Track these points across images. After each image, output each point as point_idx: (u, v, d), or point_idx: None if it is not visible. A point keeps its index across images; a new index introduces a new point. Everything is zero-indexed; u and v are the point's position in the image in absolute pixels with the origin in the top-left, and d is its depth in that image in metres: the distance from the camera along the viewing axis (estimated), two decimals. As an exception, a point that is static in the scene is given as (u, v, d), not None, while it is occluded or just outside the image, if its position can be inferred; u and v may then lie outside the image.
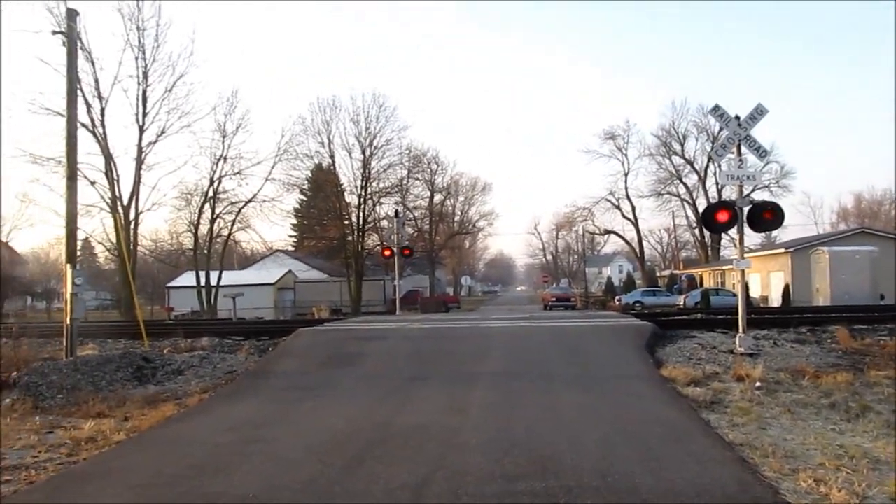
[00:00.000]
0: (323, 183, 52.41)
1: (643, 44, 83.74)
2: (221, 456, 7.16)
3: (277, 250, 66.40)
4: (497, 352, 13.44)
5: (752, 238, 67.25)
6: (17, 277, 55.71)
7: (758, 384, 10.49)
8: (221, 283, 45.34)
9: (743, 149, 13.66)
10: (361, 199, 50.38)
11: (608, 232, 75.60)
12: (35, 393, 11.22)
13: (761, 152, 13.88)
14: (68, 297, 13.91)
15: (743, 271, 13.70)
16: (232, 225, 45.78)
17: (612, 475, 6.07)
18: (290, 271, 59.20)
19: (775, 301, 41.29)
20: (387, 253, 31.17)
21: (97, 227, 43.50)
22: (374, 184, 51.21)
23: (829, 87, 78.59)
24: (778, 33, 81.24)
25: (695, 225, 69.54)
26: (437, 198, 69.78)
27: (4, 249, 53.06)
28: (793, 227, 67.83)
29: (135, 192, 39.65)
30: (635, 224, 71.20)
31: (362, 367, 12.53)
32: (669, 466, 6.33)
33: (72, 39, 14.73)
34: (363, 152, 49.84)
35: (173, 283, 54.67)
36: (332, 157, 50.27)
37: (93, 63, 37.27)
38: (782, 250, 43.49)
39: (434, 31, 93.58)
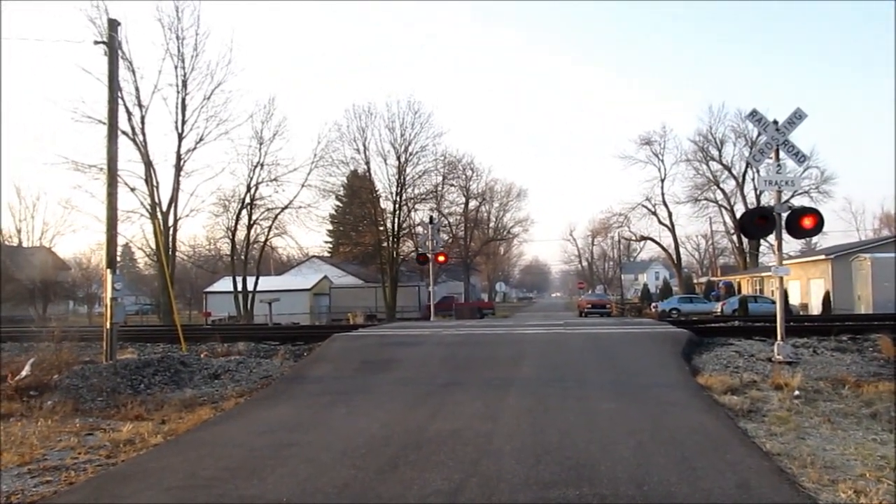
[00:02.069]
0: (358, 189, 52.67)
1: (680, 48, 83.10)
2: (256, 459, 7.23)
3: (313, 256, 66.89)
4: (531, 358, 13.39)
5: (792, 245, 66.20)
6: (59, 282, 56.84)
7: (796, 393, 10.31)
8: (258, 289, 45.87)
9: (781, 154, 13.47)
10: (396, 206, 50.57)
11: (644, 238, 74.97)
12: (76, 395, 11.43)
13: (800, 157, 13.67)
14: (108, 301, 14.15)
15: (781, 278, 13.49)
16: (268, 231, 46.31)
17: (647, 484, 6.01)
18: (325, 277, 59.60)
19: (815, 309, 40.54)
20: (421, 259, 31.30)
21: (137, 232, 44.39)
22: (409, 190, 51.39)
23: (871, 89, 77.26)
24: (818, 35, 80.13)
25: (732, 231, 68.63)
26: (472, 204, 69.84)
27: (5, 252, 53.66)
28: (834, 234, 66.73)
29: (174, 199, 40.37)
30: (672, 230, 70.58)
31: (397, 372, 12.57)
32: (706, 476, 6.25)
33: (113, 49, 15.01)
34: (398, 158, 50.05)
35: (211, 289, 55.39)
36: (367, 163, 50.58)
37: (133, 72, 38.04)
38: (822, 257, 42.77)
39: (472, 39, 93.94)
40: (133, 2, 65.84)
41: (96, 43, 15.35)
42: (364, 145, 50.11)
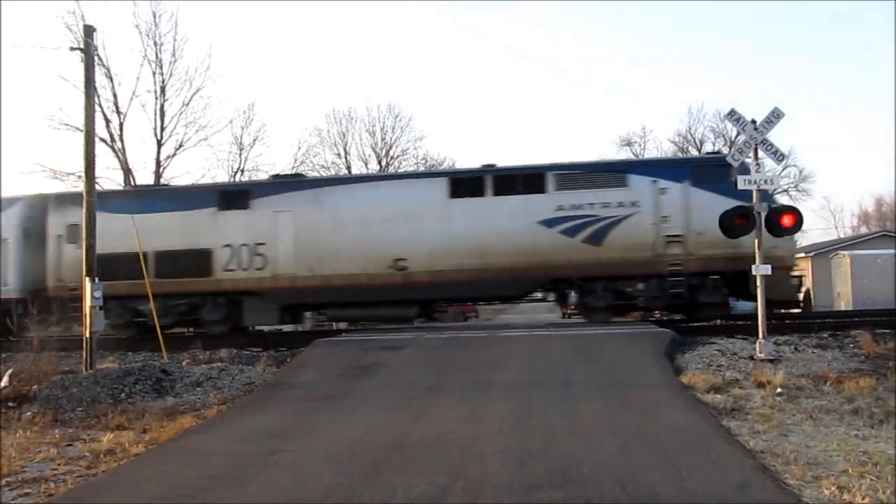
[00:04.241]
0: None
1: (658, 46, 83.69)
2: (239, 467, 7.17)
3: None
4: (515, 360, 13.37)
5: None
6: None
7: (779, 390, 10.36)
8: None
9: (760, 153, 13.54)
10: (379, 210, 50.25)
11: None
12: (55, 406, 11.28)
13: (778, 156, 13.75)
14: (87, 310, 13.99)
15: (762, 276, 13.55)
16: (250, 237, 45.90)
17: (631, 484, 6.01)
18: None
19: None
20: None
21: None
22: (392, 194, 51.10)
23: (850, 89, 78.03)
24: (796, 33, 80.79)
25: (713, 230, 68.83)
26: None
27: None
28: (813, 232, 67.07)
29: (153, 206, 39.92)
30: (653, 230, 70.62)
31: (380, 377, 12.51)
32: (690, 475, 6.26)
33: (89, 55, 14.85)
34: (379, 162, 49.96)
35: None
36: (348, 168, 50.38)
37: (111, 79, 37.58)
38: (802, 255, 43.12)
39: (455, 47, 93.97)
40: (110, 8, 65.18)
41: (72, 49, 15.19)
42: (345, 149, 50.05)
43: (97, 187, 16.87)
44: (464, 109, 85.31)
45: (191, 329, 21.82)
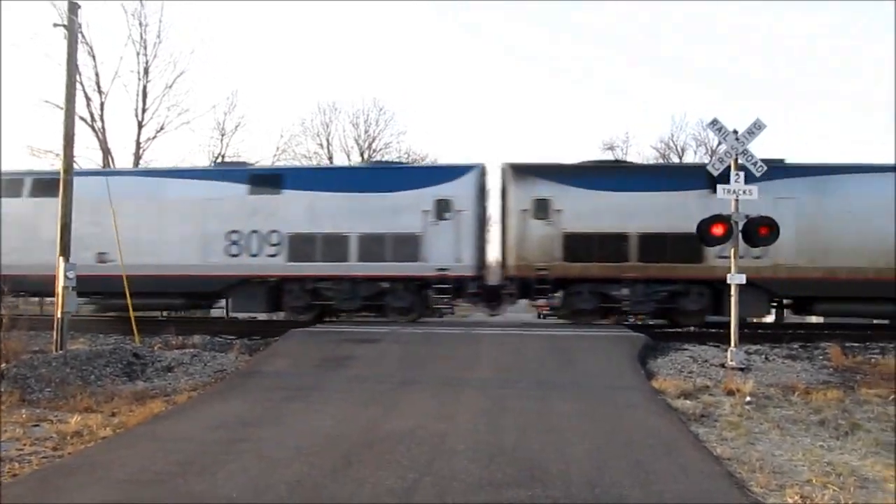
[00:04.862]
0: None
1: (643, 54, 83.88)
2: (207, 454, 7.12)
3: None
4: (489, 358, 13.41)
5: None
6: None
7: (748, 399, 10.48)
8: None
9: (740, 162, 13.65)
10: (359, 201, 50.16)
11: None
12: (23, 385, 11.15)
13: (758, 167, 13.87)
14: (60, 290, 13.84)
15: (737, 286, 13.66)
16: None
17: (599, 486, 6.06)
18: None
19: (768, 316, 41.17)
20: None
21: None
22: (374, 186, 51.07)
23: (831, 97, 78.85)
24: (782, 44, 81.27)
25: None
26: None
27: None
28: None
29: (132, 188, 39.51)
30: (632, 235, 71.03)
31: (353, 369, 12.48)
32: (658, 479, 6.32)
33: (72, 32, 14.67)
34: (362, 155, 49.83)
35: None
36: (330, 158, 50.21)
37: (94, 57, 37.21)
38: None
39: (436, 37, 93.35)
40: (95, -15, 64.48)
41: (55, 26, 14.99)
42: (327, 140, 49.91)
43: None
44: (446, 108, 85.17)
45: (165, 314, 21.64)
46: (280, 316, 22.64)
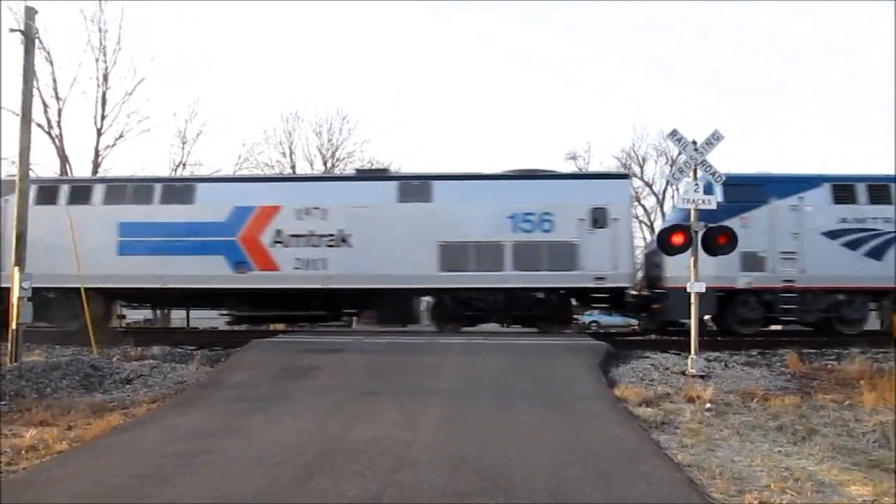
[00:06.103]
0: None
1: (604, 65, 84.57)
2: (167, 467, 7.02)
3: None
4: (452, 367, 13.40)
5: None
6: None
7: (708, 406, 10.61)
8: (176, 292, 44.42)
9: (699, 172, 13.88)
10: (323, 210, 49.92)
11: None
12: (-24, 399, 10.90)
13: (717, 177, 14.09)
14: (15, 300, 13.56)
15: (697, 294, 13.86)
16: (189, 232, 45.07)
17: (562, 493, 6.09)
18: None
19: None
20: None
21: (49, 230, 42.44)
22: (337, 195, 50.87)
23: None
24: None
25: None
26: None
27: None
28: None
29: (90, 196, 38.88)
30: (594, 244, 71.57)
31: (316, 379, 12.39)
32: (619, 486, 6.36)
33: (29, 38, 14.45)
34: (325, 164, 49.65)
35: (126, 290, 53.38)
36: (293, 167, 49.96)
37: (51, 63, 36.63)
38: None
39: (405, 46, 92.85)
40: (53, -9, 63.47)
41: (12, 31, 14.75)
42: (290, 149, 49.65)
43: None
44: (410, 117, 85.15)
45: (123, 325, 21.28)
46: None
